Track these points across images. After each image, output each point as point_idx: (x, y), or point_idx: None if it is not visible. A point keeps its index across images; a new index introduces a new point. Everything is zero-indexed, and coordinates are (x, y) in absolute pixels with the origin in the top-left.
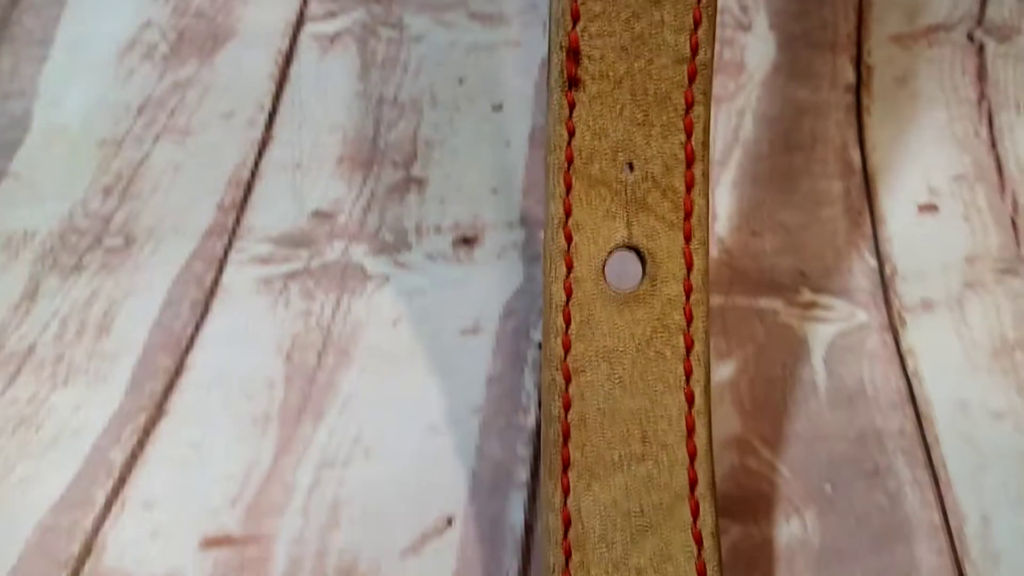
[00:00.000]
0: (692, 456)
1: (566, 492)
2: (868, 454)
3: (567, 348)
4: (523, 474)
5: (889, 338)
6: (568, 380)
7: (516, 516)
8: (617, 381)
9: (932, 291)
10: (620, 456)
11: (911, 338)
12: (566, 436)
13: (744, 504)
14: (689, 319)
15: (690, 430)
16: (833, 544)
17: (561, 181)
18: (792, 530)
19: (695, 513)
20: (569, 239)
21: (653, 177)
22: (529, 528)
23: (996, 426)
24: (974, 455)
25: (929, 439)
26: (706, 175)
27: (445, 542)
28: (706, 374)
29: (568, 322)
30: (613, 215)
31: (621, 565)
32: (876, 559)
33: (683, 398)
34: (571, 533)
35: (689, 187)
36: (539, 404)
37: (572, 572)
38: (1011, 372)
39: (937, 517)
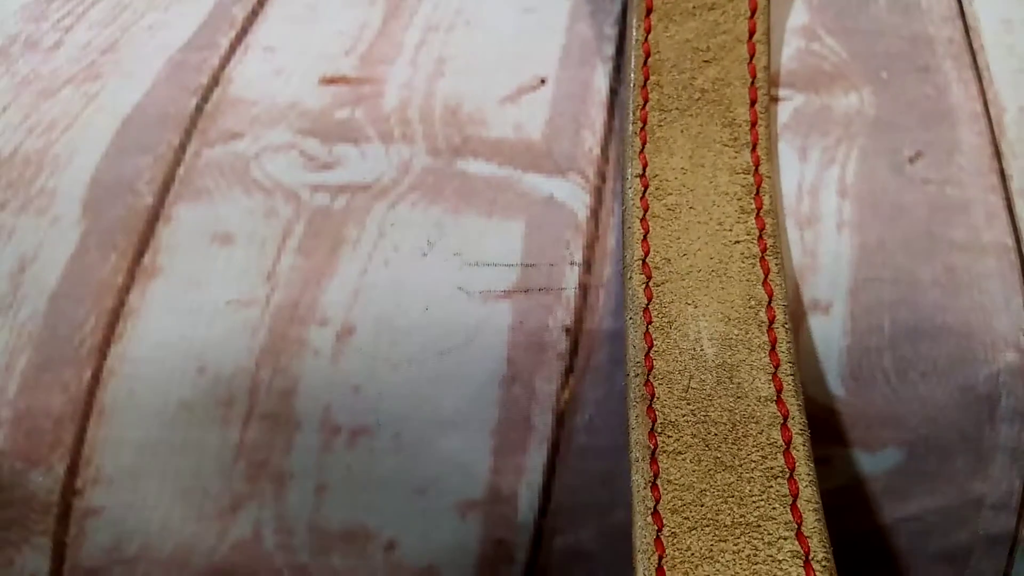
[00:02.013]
0: (754, 10)
1: (648, 31)
2: (920, 53)
3: None
4: (609, 49)
5: None
6: None
7: (602, 82)
8: None
9: None
10: (694, 6)
11: None
12: None
13: (807, 77)
14: None
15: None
16: (886, 117)
17: None
18: (850, 101)
19: (752, 55)
20: None
21: None
22: (613, 92)
23: None
24: (1015, 61)
25: (975, 47)
26: None
27: (539, 95)
28: None
29: None
30: None
31: (688, 85)
32: (923, 133)
33: None
34: (650, 60)
35: None
36: None
37: (650, 92)
38: None
39: (979, 107)
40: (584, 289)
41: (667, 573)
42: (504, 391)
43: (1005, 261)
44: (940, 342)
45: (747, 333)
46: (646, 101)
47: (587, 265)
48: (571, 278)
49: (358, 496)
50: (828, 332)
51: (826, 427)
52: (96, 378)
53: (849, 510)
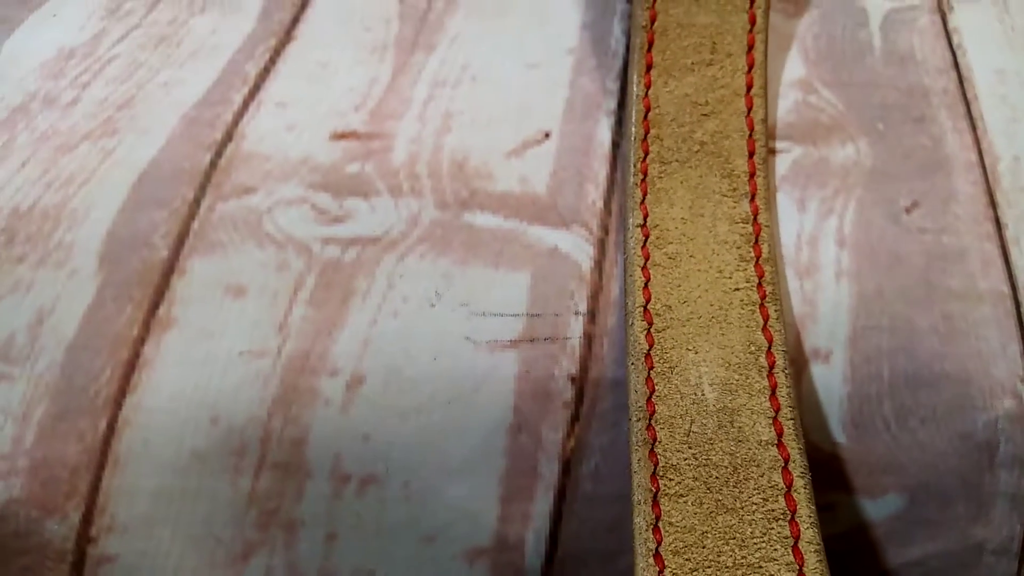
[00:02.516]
0: (751, 65)
1: (648, 86)
2: (916, 104)
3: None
4: (611, 103)
5: (937, 19)
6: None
7: (604, 135)
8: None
9: None
10: (693, 62)
11: (957, 20)
12: (651, 43)
13: (805, 130)
14: None
15: (751, 45)
16: (882, 168)
17: None
18: (847, 152)
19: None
20: None
21: None
22: (615, 145)
23: None
24: (1008, 111)
25: (969, 96)
26: None
27: (544, 149)
28: (766, 2)
29: None
30: None
31: (688, 138)
32: (919, 183)
33: (746, 19)
34: (650, 115)
35: None
36: (626, 47)
37: (650, 145)
38: None
39: (974, 157)
40: (588, 338)
41: None
42: (511, 439)
43: (1001, 309)
44: (939, 389)
45: (747, 378)
46: (647, 154)
47: (591, 315)
48: (576, 328)
49: (368, 544)
50: (828, 380)
51: (828, 473)
52: (111, 428)
53: (853, 555)
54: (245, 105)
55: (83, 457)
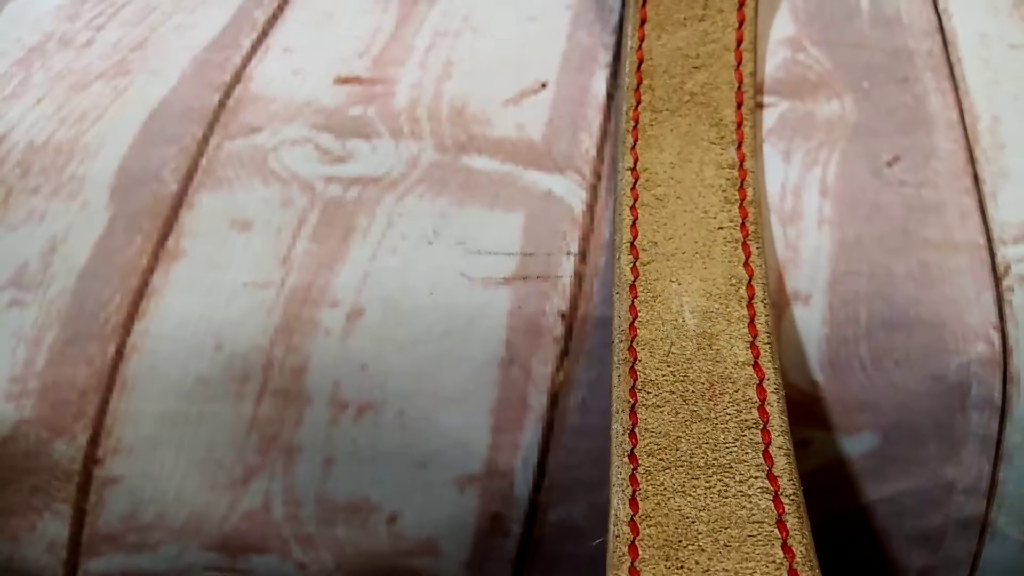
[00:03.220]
0: (741, 21)
1: (642, 39)
2: (900, 65)
3: None
4: (607, 57)
5: None
6: None
7: (599, 86)
8: None
9: None
10: (685, 17)
11: None
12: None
13: (792, 85)
14: None
15: (742, 2)
16: (866, 124)
17: None
18: (832, 108)
19: (739, 62)
20: None
21: None
22: (610, 96)
23: (1011, 53)
24: (991, 73)
25: (953, 59)
26: None
27: (540, 98)
28: None
29: None
30: None
31: (679, 88)
32: (902, 139)
33: None
34: (643, 66)
35: None
36: (623, 3)
37: (642, 94)
38: None
39: (955, 116)
40: (579, 278)
41: (640, 504)
42: (502, 372)
43: (977, 258)
44: (913, 333)
45: (727, 307)
46: (639, 103)
47: (582, 255)
48: (567, 267)
49: (363, 469)
50: (808, 321)
51: (806, 411)
52: (120, 353)
53: (827, 491)
54: (253, 49)
55: (92, 381)
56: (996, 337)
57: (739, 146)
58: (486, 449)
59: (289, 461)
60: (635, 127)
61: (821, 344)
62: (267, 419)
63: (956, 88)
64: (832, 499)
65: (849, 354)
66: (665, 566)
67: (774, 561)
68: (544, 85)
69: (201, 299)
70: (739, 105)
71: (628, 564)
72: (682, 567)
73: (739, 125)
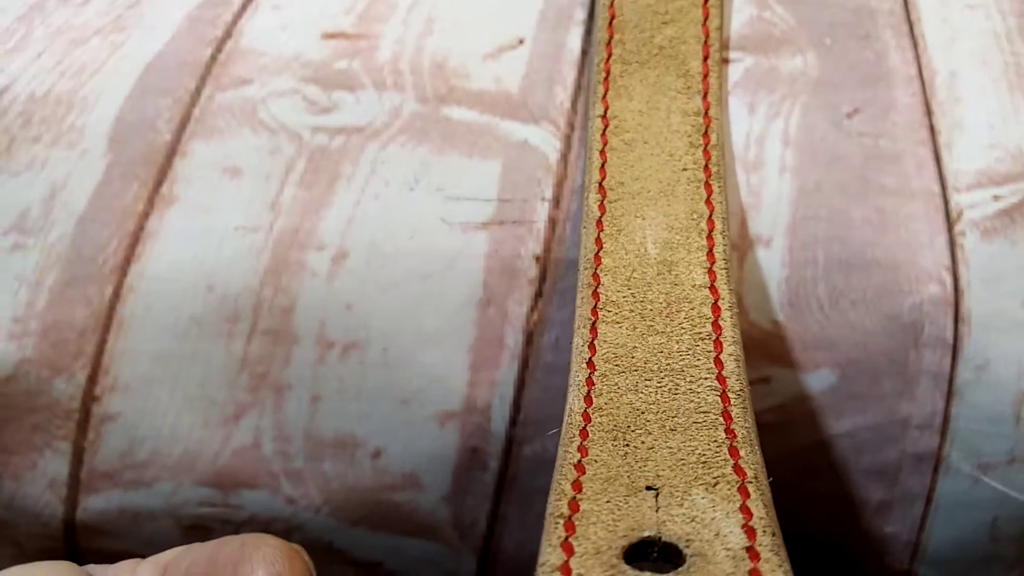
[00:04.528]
0: None
1: None
2: (862, 23)
3: None
4: (581, 14)
5: None
6: None
7: (574, 43)
8: None
9: None
10: None
11: None
12: None
13: (758, 41)
14: None
15: None
16: (828, 78)
17: None
18: (795, 63)
19: (706, 17)
20: None
21: None
22: (584, 52)
23: (968, 13)
24: (949, 31)
25: (913, 18)
26: None
27: (518, 53)
28: None
29: None
30: None
31: (648, 42)
32: (862, 92)
33: None
34: (615, 21)
35: None
36: None
37: (613, 48)
38: None
39: (914, 71)
40: (553, 222)
41: (594, 399)
42: (480, 312)
43: (931, 205)
44: (869, 274)
45: (688, 238)
46: (610, 55)
47: (556, 201)
48: (541, 212)
49: (349, 406)
50: (769, 263)
51: (766, 349)
52: (116, 294)
53: (787, 426)
54: (244, 6)
55: (90, 321)
56: (948, 279)
57: (704, 95)
58: (465, 386)
59: (278, 399)
60: (606, 78)
61: (781, 285)
62: (257, 358)
63: (915, 45)
64: (792, 435)
65: (808, 294)
66: (612, 445)
67: (716, 440)
68: (521, 41)
69: (194, 242)
70: (705, 58)
71: (578, 443)
72: (628, 445)
73: (705, 76)
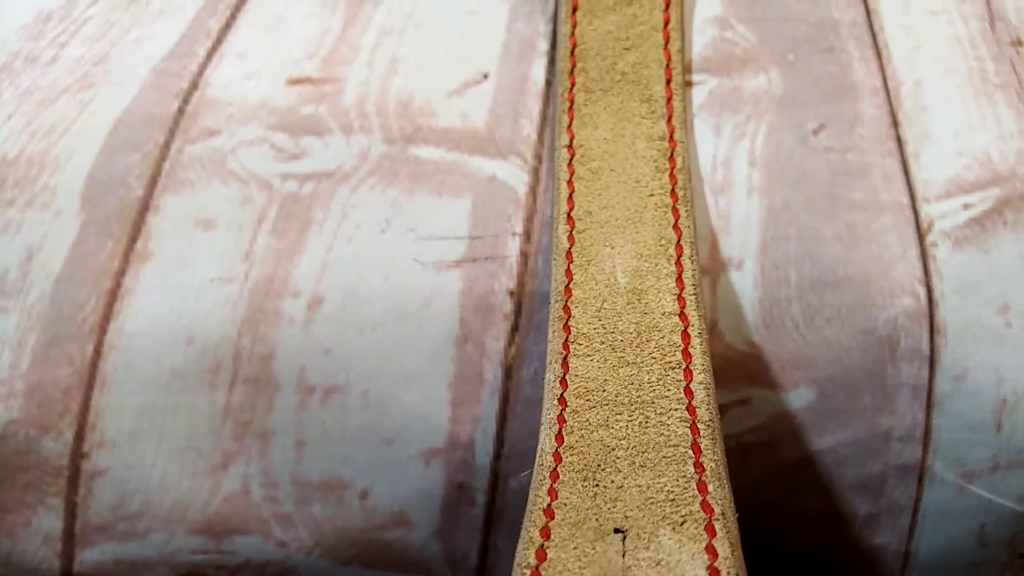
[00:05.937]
0: (667, 4)
1: (574, 25)
2: (825, 36)
3: None
4: (544, 45)
5: None
6: None
7: (538, 74)
8: None
9: None
10: (615, 2)
11: None
12: None
13: (721, 62)
14: None
15: None
16: (792, 95)
17: None
18: (759, 82)
19: (667, 41)
20: None
21: None
22: (548, 83)
23: (931, 19)
24: (912, 40)
25: (876, 27)
26: None
27: (482, 88)
28: None
29: None
30: None
31: (611, 69)
32: (827, 108)
33: None
34: (577, 51)
35: None
36: None
37: (576, 77)
38: None
39: (879, 82)
40: (524, 256)
41: (565, 438)
42: (458, 349)
43: (901, 217)
44: (842, 290)
45: (657, 265)
46: (573, 84)
47: (527, 235)
48: (513, 247)
49: (333, 449)
50: (742, 286)
51: (744, 371)
52: (98, 352)
53: (770, 445)
54: (208, 57)
55: (73, 379)
56: (922, 291)
57: (669, 119)
58: (447, 423)
59: (264, 445)
60: (571, 107)
61: (755, 306)
62: (240, 406)
63: (879, 55)
64: (775, 454)
65: (782, 314)
66: (582, 486)
67: (684, 476)
68: (486, 76)
69: (171, 296)
70: (668, 81)
71: (548, 486)
72: (598, 485)
73: (668, 100)
